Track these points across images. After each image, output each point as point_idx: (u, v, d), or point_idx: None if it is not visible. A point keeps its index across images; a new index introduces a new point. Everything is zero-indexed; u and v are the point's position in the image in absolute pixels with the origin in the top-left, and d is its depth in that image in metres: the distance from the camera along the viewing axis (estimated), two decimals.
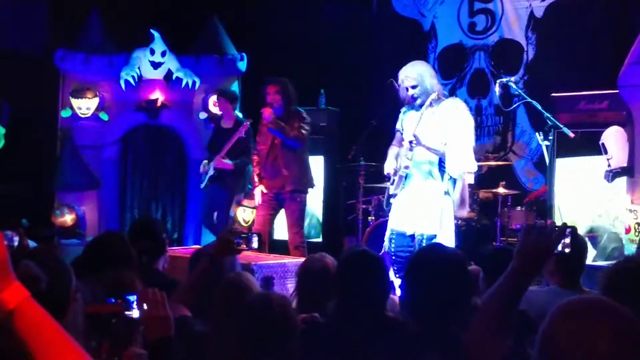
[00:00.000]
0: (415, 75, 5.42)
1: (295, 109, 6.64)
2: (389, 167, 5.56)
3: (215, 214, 7.55)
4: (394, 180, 5.51)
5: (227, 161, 7.11)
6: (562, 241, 2.14)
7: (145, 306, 2.00)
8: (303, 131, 6.55)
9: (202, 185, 7.36)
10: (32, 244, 4.06)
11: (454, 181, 5.40)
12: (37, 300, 1.36)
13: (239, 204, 8.10)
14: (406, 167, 5.42)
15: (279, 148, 6.58)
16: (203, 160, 7.39)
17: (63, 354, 1.33)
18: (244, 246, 3.07)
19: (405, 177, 5.47)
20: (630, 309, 1.61)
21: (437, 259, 2.61)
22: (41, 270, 1.69)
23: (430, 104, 5.38)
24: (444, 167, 5.37)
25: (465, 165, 5.33)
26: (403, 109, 5.65)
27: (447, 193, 5.39)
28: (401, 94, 5.54)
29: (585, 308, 1.56)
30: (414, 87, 5.42)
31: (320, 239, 8.45)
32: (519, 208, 7.29)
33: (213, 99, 8.17)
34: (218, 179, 7.26)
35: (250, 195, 7.70)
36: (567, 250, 2.15)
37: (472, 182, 5.70)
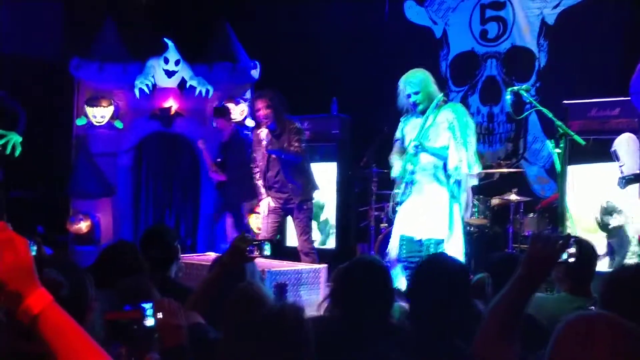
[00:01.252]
0: (418, 81, 5.49)
1: (288, 120, 6.55)
2: (396, 172, 5.62)
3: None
4: (400, 187, 5.57)
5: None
6: (567, 251, 2.20)
7: (160, 315, 2.03)
8: (302, 144, 6.50)
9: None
10: (47, 250, 4.12)
11: (459, 184, 5.46)
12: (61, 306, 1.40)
13: (252, 211, 8.15)
14: (412, 173, 5.47)
15: (279, 162, 6.56)
16: None
17: (87, 358, 1.37)
18: (257, 253, 3.12)
19: (412, 183, 5.52)
20: (629, 320, 1.65)
21: (439, 270, 2.65)
22: (63, 277, 1.73)
23: (434, 109, 5.45)
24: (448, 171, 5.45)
25: (462, 165, 5.38)
26: (402, 117, 5.71)
27: (453, 196, 5.44)
28: (401, 101, 5.60)
29: (587, 325, 1.61)
30: (416, 93, 5.48)
31: (333, 246, 8.49)
32: (531, 215, 7.29)
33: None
34: (218, 188, 7.73)
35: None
36: (571, 259, 2.22)
37: (476, 183, 5.74)
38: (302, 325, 2.26)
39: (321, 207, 8.55)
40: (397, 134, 5.79)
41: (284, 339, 2.19)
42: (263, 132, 6.56)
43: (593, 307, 2.76)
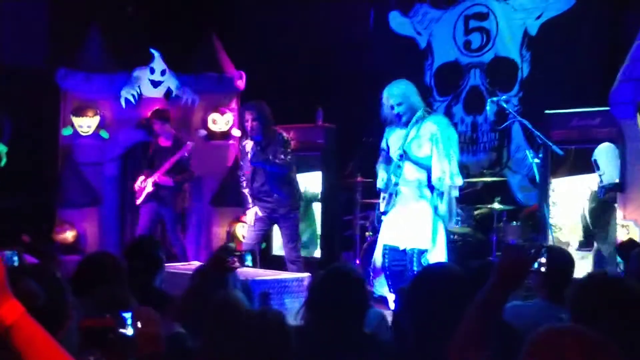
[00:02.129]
0: (400, 92, 5.56)
1: (274, 131, 6.60)
2: (381, 182, 5.69)
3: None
4: (384, 197, 5.64)
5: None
6: (538, 260, 2.26)
7: (139, 324, 2.07)
8: (288, 157, 6.54)
9: (139, 201, 7.58)
10: (33, 260, 4.15)
11: (441, 196, 5.52)
12: (35, 316, 1.43)
13: (238, 220, 8.18)
14: (395, 185, 5.54)
15: (264, 172, 6.59)
16: (139, 177, 7.62)
17: None
18: (238, 264, 3.16)
19: (396, 195, 5.59)
20: (597, 328, 1.70)
21: (446, 278, 2.67)
22: (39, 287, 1.77)
23: (417, 121, 5.51)
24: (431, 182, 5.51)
25: (445, 177, 5.45)
26: (387, 128, 5.78)
27: (436, 210, 5.51)
28: (384, 112, 5.67)
29: (556, 339, 1.66)
30: (399, 104, 5.55)
31: (318, 255, 8.52)
32: (514, 223, 7.36)
33: (212, 116, 8.29)
34: (155, 196, 7.50)
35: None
36: (543, 269, 2.28)
37: (457, 195, 5.80)
38: (283, 330, 2.31)
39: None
40: (382, 145, 5.86)
41: (265, 343, 2.24)
42: (248, 144, 6.61)
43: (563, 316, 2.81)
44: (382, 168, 5.73)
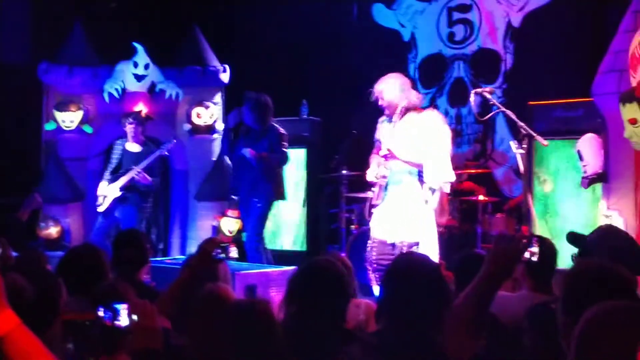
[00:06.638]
0: (385, 87, 5.52)
1: (272, 126, 6.84)
2: (371, 175, 5.64)
3: None
4: (374, 190, 5.61)
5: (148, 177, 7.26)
6: (529, 250, 2.28)
7: (135, 317, 2.04)
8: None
9: (102, 208, 7.42)
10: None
11: (433, 190, 5.50)
12: (24, 312, 1.42)
13: (224, 214, 8.17)
14: (384, 177, 5.51)
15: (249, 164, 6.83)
16: (101, 183, 7.50)
17: None
18: (223, 256, 3.16)
19: (385, 188, 5.56)
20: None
21: (413, 268, 2.68)
22: (29, 282, 1.74)
23: (400, 117, 5.47)
24: (423, 177, 5.48)
25: (443, 175, 5.42)
26: (381, 119, 5.75)
27: (426, 202, 5.48)
28: (380, 104, 5.65)
29: (620, 311, 1.65)
30: (384, 98, 5.52)
31: (304, 249, 8.52)
32: (499, 215, 7.40)
33: (196, 110, 8.26)
34: (123, 200, 7.36)
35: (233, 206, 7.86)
36: (534, 258, 2.30)
37: (449, 191, 5.78)
38: (272, 320, 2.32)
39: None
40: (377, 134, 5.80)
41: (255, 331, 2.24)
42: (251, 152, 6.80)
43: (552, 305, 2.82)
44: (376, 160, 5.65)
